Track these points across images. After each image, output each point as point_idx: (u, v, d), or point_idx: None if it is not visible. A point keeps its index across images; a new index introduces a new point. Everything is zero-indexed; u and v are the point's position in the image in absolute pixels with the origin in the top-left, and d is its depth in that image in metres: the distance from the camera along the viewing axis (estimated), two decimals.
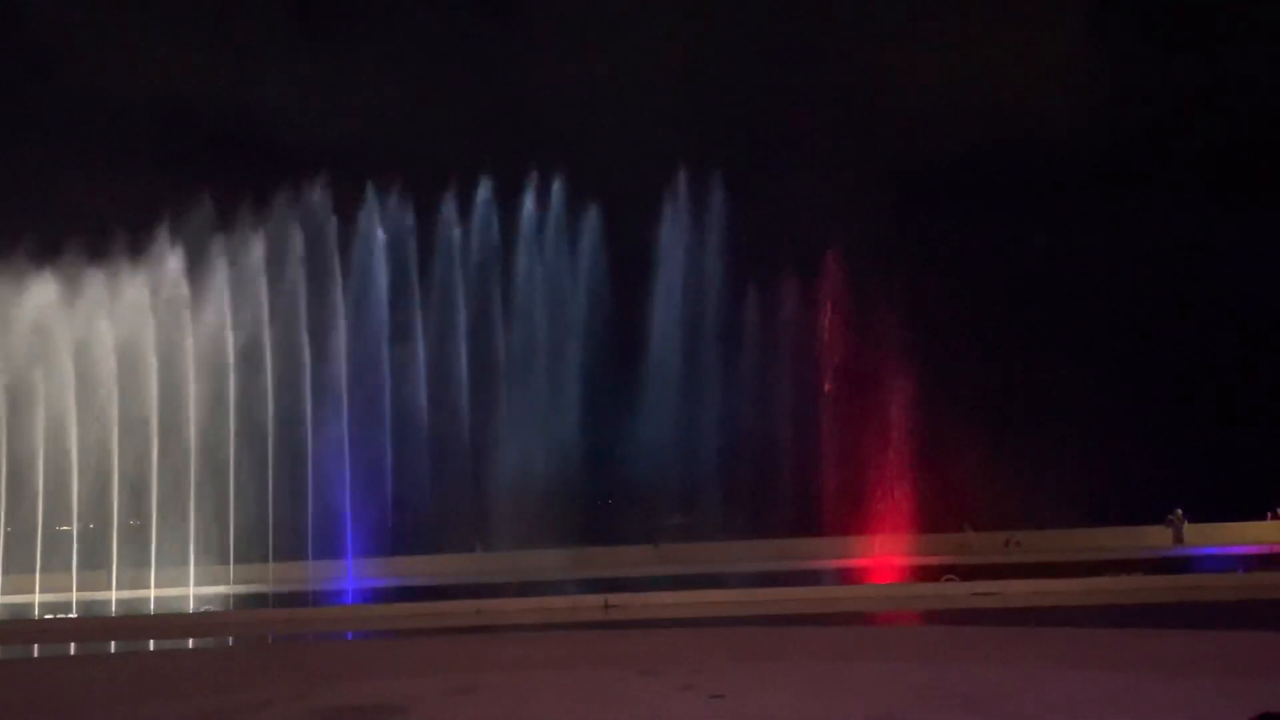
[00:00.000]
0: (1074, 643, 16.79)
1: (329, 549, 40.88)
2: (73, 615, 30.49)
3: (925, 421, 42.45)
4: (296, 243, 41.25)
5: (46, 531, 36.86)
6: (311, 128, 60.16)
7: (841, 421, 44.13)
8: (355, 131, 57.48)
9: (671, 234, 45.46)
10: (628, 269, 45.30)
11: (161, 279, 39.07)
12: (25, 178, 48.66)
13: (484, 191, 44.80)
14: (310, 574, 39.21)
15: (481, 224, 44.72)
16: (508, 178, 44.97)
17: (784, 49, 57.80)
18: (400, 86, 59.98)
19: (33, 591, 35.11)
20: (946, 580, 27.49)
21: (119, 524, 37.32)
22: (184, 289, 39.19)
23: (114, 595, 34.13)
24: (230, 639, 24.37)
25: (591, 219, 44.83)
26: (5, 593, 35.67)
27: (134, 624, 27.30)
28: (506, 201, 44.94)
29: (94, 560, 36.96)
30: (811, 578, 32.16)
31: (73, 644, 23.97)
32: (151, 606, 31.95)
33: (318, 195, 41.87)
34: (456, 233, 44.51)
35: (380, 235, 43.27)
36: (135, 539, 37.71)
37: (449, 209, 44.48)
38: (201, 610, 29.58)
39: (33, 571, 36.16)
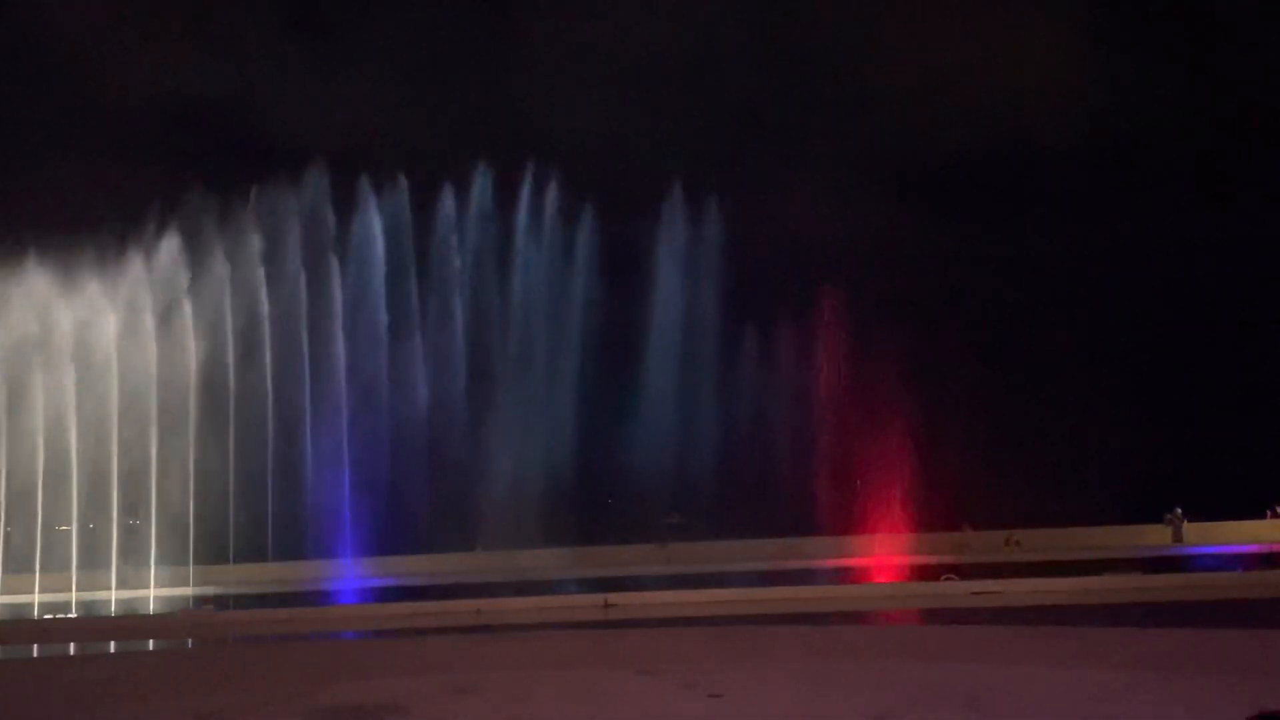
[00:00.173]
0: (1073, 642, 16.78)
1: (328, 549, 40.92)
2: (72, 615, 30.50)
3: (925, 421, 42.50)
4: (294, 240, 41.28)
5: (46, 531, 36.82)
6: (306, 125, 60.24)
7: (842, 421, 44.15)
8: (351, 129, 57.48)
9: (671, 234, 45.50)
10: (627, 269, 45.36)
11: (160, 277, 39.03)
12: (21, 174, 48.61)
13: (483, 190, 44.79)
14: (310, 573, 39.21)
15: (481, 223, 44.72)
16: (507, 176, 45.03)
17: (784, 49, 57.85)
18: (396, 85, 60.02)
19: (32, 591, 35.09)
20: (946, 579, 27.51)
21: (118, 524, 37.30)
22: (180, 286, 39.16)
23: (114, 595, 34.14)
24: (229, 638, 24.37)
25: (591, 218, 44.85)
26: (5, 592, 35.66)
27: (133, 624, 27.30)
28: (507, 201, 44.98)
29: (94, 560, 36.92)
30: (812, 577, 32.20)
31: (72, 644, 23.97)
32: (150, 606, 31.95)
33: (315, 193, 41.88)
34: (456, 231, 44.52)
35: (379, 234, 43.28)
36: (134, 538, 37.71)
37: (448, 208, 44.48)
38: (201, 610, 29.57)
39: (32, 571, 36.16)
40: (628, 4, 61.24)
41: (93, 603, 33.23)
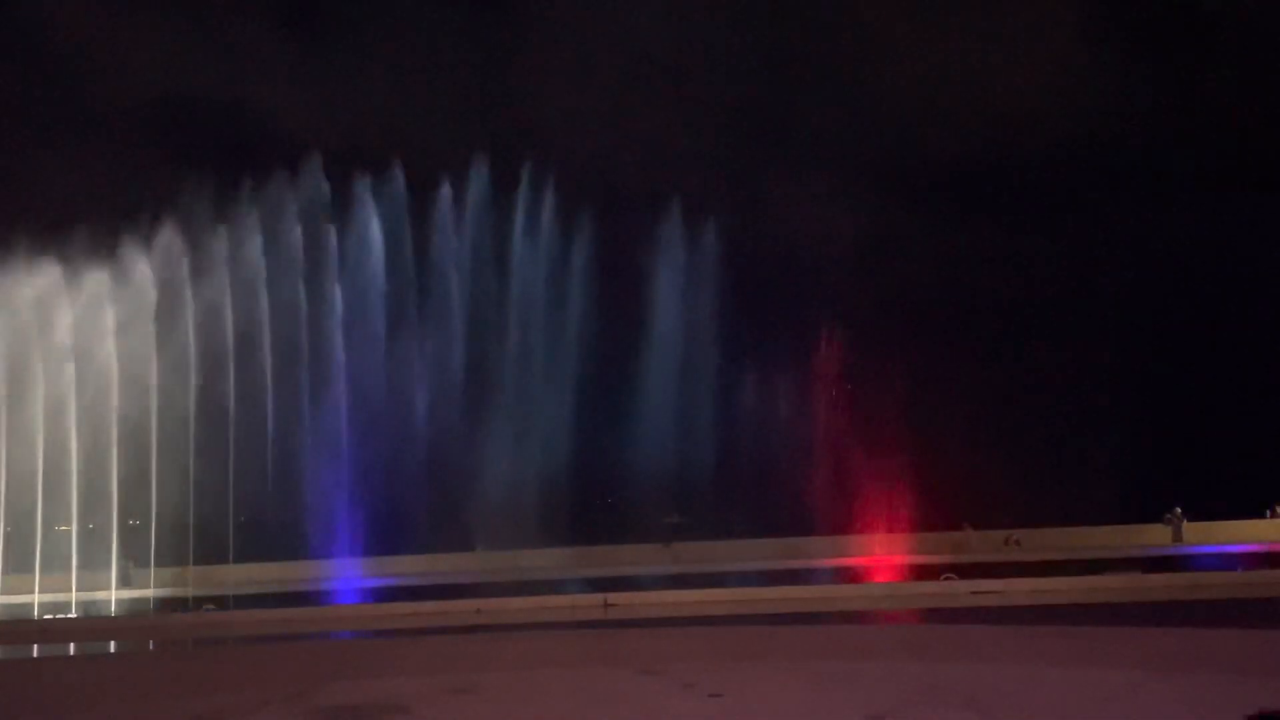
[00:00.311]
0: (1073, 641, 16.77)
1: (328, 548, 40.89)
2: (72, 615, 30.48)
3: (926, 421, 42.50)
4: (294, 239, 41.27)
5: (46, 531, 36.79)
6: (303, 122, 60.23)
7: (842, 421, 44.15)
8: (348, 126, 57.51)
9: (672, 233, 45.47)
10: (628, 268, 45.34)
11: (158, 275, 39.01)
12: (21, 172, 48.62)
13: (483, 188, 44.76)
14: (310, 573, 39.19)
15: (481, 221, 44.70)
16: (505, 173, 45.01)
17: (784, 49, 57.88)
18: (396, 85, 60.03)
19: (32, 591, 35.08)
20: (946, 579, 27.49)
21: (119, 524, 37.28)
22: (178, 283, 39.14)
23: (114, 595, 34.12)
24: (229, 638, 24.36)
25: (592, 217, 44.82)
26: (5, 592, 35.64)
27: (133, 624, 27.30)
28: (506, 199, 44.94)
29: (93, 560, 36.90)
30: (812, 576, 32.19)
31: (72, 644, 23.96)
32: (151, 606, 31.93)
33: (312, 191, 41.87)
34: (455, 230, 44.49)
35: (378, 234, 43.26)
36: (134, 537, 37.68)
37: (447, 205, 44.44)
38: (201, 609, 29.55)
39: (32, 571, 36.14)
40: (628, 4, 61.30)
41: (93, 603, 33.21)
